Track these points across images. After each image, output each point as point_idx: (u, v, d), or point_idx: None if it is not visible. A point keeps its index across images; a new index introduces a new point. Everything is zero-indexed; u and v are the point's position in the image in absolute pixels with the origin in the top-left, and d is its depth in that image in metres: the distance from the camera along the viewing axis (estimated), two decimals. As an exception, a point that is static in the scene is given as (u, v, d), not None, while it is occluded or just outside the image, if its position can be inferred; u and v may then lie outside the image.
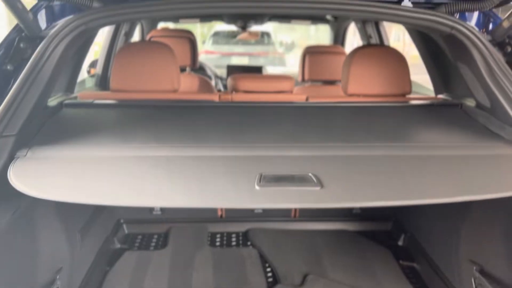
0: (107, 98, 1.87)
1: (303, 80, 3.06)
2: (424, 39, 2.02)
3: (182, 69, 3.15)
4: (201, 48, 9.82)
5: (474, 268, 1.61)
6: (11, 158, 1.24)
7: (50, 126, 1.47)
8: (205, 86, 2.98)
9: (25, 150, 1.27)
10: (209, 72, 4.14)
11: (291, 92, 2.07)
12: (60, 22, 1.48)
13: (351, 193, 1.14)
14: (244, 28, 4.18)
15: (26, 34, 1.44)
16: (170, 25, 4.24)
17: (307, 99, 1.95)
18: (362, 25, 3.27)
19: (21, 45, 1.44)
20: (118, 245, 2.10)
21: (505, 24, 1.47)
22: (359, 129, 1.58)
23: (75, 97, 1.87)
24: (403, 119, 1.71)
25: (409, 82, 1.94)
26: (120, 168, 1.24)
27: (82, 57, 2.03)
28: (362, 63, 1.92)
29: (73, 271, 1.63)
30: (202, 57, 9.09)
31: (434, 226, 1.94)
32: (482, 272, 1.59)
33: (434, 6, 1.60)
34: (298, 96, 2.01)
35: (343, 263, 1.99)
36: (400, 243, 2.17)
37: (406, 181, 1.21)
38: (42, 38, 1.41)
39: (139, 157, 1.29)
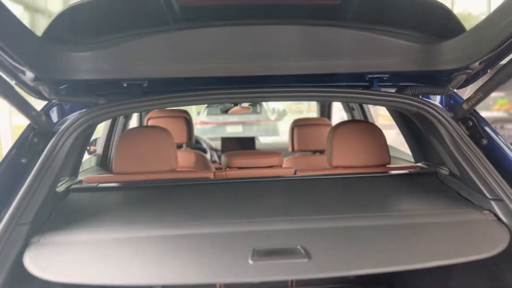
0: (110, 181, 2.02)
1: (292, 150, 3.24)
2: (400, 114, 2.22)
3: (179, 146, 3.34)
4: (196, 119, 10.22)
5: None
6: (25, 245, 1.36)
7: (59, 212, 1.60)
8: (201, 160, 3.16)
9: (38, 237, 1.40)
10: (204, 145, 4.34)
11: (280, 166, 2.24)
12: (70, 118, 1.66)
13: (337, 263, 1.27)
14: (236, 104, 4.46)
15: (38, 130, 1.62)
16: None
17: (295, 172, 2.11)
18: (345, 102, 3.52)
19: (35, 140, 1.61)
20: None
21: (465, 106, 1.66)
22: (344, 200, 1.72)
23: (80, 181, 2.02)
24: (384, 189, 1.86)
25: (387, 153, 2.12)
26: (124, 249, 1.36)
27: (86, 143, 2.21)
28: (343, 137, 2.10)
29: None
30: (197, 128, 9.49)
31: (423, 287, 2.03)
32: None
33: (401, 88, 1.82)
34: (287, 170, 2.17)
35: None
36: None
37: (388, 250, 1.34)
38: (53, 133, 1.58)
39: (140, 237, 1.42)
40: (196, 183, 1.95)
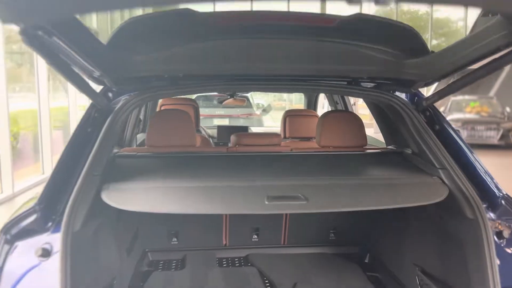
0: (145, 151, 2.50)
1: (284, 137, 3.76)
2: (376, 106, 2.76)
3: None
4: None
5: (417, 269, 2.25)
6: (99, 190, 1.84)
7: (113, 171, 2.08)
8: (205, 142, 3.65)
9: (107, 185, 1.88)
10: (203, 132, 4.83)
11: (279, 145, 2.76)
12: (122, 99, 2.14)
13: (326, 204, 1.80)
14: (232, 96, 4.96)
15: (99, 108, 2.09)
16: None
17: (291, 150, 2.63)
18: (330, 94, 4.07)
19: (96, 115, 2.08)
20: (146, 268, 2.64)
21: (424, 103, 2.21)
22: (330, 169, 2.25)
23: (117, 151, 2.49)
24: (361, 162, 2.40)
25: (365, 137, 2.66)
26: (169, 192, 1.86)
27: None
28: (331, 123, 2.63)
29: (122, 281, 2.17)
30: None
31: (387, 245, 2.58)
32: (423, 271, 2.23)
33: (377, 85, 2.35)
34: (285, 148, 2.70)
35: (323, 275, 2.58)
36: (366, 260, 2.78)
37: (362, 197, 1.88)
38: (110, 111, 2.06)
39: (179, 187, 1.90)
40: (215, 155, 2.45)
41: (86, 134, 2.02)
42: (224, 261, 2.82)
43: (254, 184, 1.92)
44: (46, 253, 1.62)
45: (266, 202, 1.76)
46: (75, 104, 9.28)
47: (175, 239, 2.83)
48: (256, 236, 2.88)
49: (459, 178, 1.96)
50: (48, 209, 1.74)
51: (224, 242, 2.86)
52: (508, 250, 1.85)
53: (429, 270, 2.18)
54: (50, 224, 1.71)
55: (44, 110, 9.10)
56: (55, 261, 1.58)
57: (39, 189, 1.85)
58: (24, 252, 1.65)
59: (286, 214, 2.89)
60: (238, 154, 2.49)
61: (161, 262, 2.79)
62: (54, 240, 1.65)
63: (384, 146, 3.04)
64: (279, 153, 2.53)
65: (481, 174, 2.03)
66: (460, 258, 1.91)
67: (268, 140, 2.75)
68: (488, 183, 1.99)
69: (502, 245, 1.84)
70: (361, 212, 2.72)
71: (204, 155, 2.44)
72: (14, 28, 1.16)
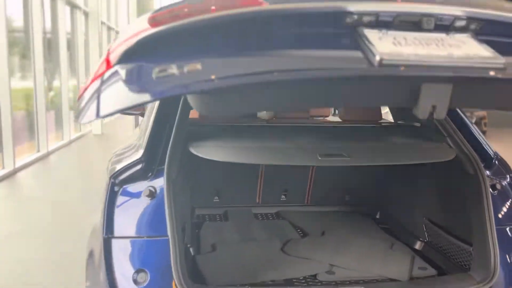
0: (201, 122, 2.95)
1: None
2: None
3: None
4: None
5: (424, 218, 2.80)
6: (185, 147, 2.28)
7: (189, 135, 2.50)
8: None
9: (190, 143, 2.32)
10: None
11: (308, 118, 3.26)
12: None
13: (364, 160, 2.33)
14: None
15: None
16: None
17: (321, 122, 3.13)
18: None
19: None
20: (196, 220, 3.12)
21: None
22: (358, 136, 2.77)
23: None
24: (381, 132, 2.93)
25: (380, 113, 3.18)
26: (236, 150, 2.33)
27: None
28: None
29: (187, 227, 2.64)
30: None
31: (396, 202, 3.13)
32: (429, 220, 2.78)
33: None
34: (316, 120, 3.20)
35: (344, 227, 3.11)
36: (377, 216, 3.33)
37: (389, 155, 2.41)
38: None
39: (244, 146, 2.37)
40: (260, 125, 2.93)
41: (167, 104, 2.45)
42: (259, 215, 3.32)
43: (307, 146, 2.41)
44: (151, 194, 2.07)
45: (319, 158, 2.26)
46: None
47: (217, 198, 3.30)
48: (284, 196, 3.38)
49: (462, 143, 2.49)
50: (149, 161, 2.17)
51: (257, 201, 3.35)
52: (499, 199, 2.41)
53: (435, 219, 2.73)
54: (150, 173, 2.14)
55: (39, 91, 9.31)
56: (159, 199, 2.04)
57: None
58: (132, 193, 2.09)
59: (310, 178, 3.40)
60: (279, 125, 2.97)
61: (207, 216, 3.27)
62: (156, 184, 2.09)
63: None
64: (312, 124, 3.02)
65: (480, 141, 2.57)
66: (462, 206, 2.45)
67: (300, 114, 3.24)
68: (486, 148, 2.54)
69: (494, 195, 2.40)
70: (373, 176, 3.26)
71: (250, 124, 2.91)
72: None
